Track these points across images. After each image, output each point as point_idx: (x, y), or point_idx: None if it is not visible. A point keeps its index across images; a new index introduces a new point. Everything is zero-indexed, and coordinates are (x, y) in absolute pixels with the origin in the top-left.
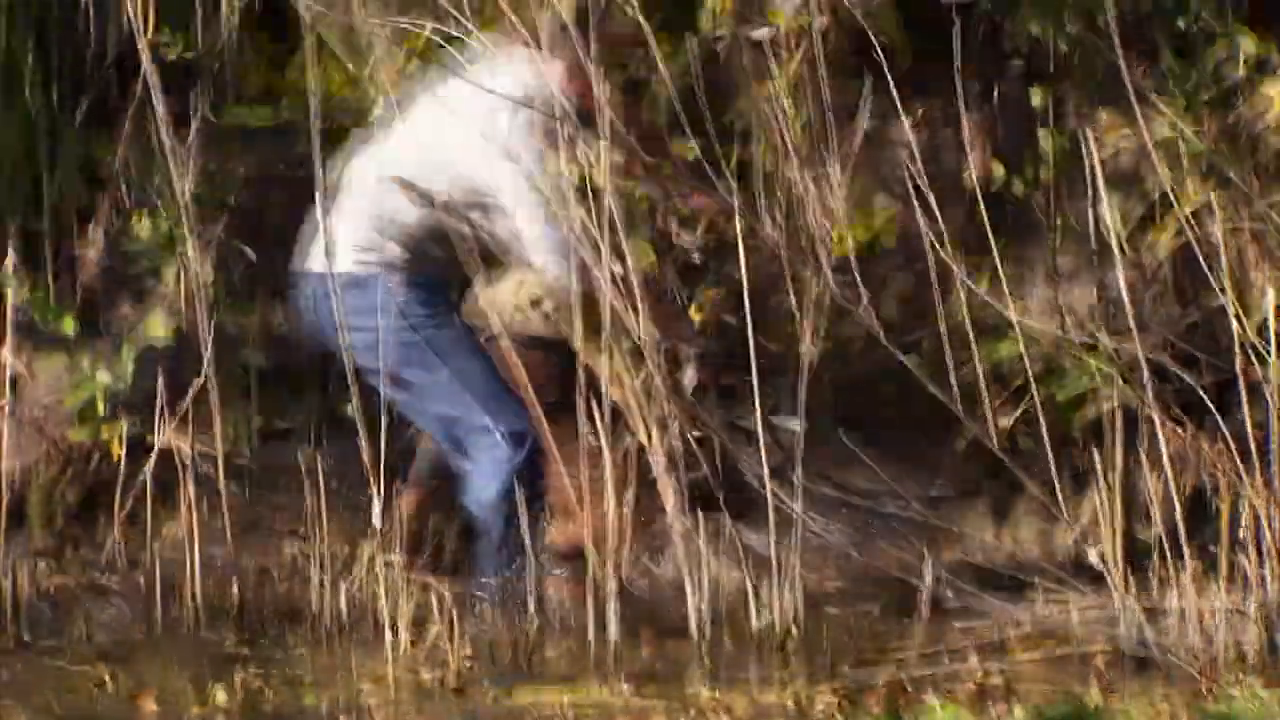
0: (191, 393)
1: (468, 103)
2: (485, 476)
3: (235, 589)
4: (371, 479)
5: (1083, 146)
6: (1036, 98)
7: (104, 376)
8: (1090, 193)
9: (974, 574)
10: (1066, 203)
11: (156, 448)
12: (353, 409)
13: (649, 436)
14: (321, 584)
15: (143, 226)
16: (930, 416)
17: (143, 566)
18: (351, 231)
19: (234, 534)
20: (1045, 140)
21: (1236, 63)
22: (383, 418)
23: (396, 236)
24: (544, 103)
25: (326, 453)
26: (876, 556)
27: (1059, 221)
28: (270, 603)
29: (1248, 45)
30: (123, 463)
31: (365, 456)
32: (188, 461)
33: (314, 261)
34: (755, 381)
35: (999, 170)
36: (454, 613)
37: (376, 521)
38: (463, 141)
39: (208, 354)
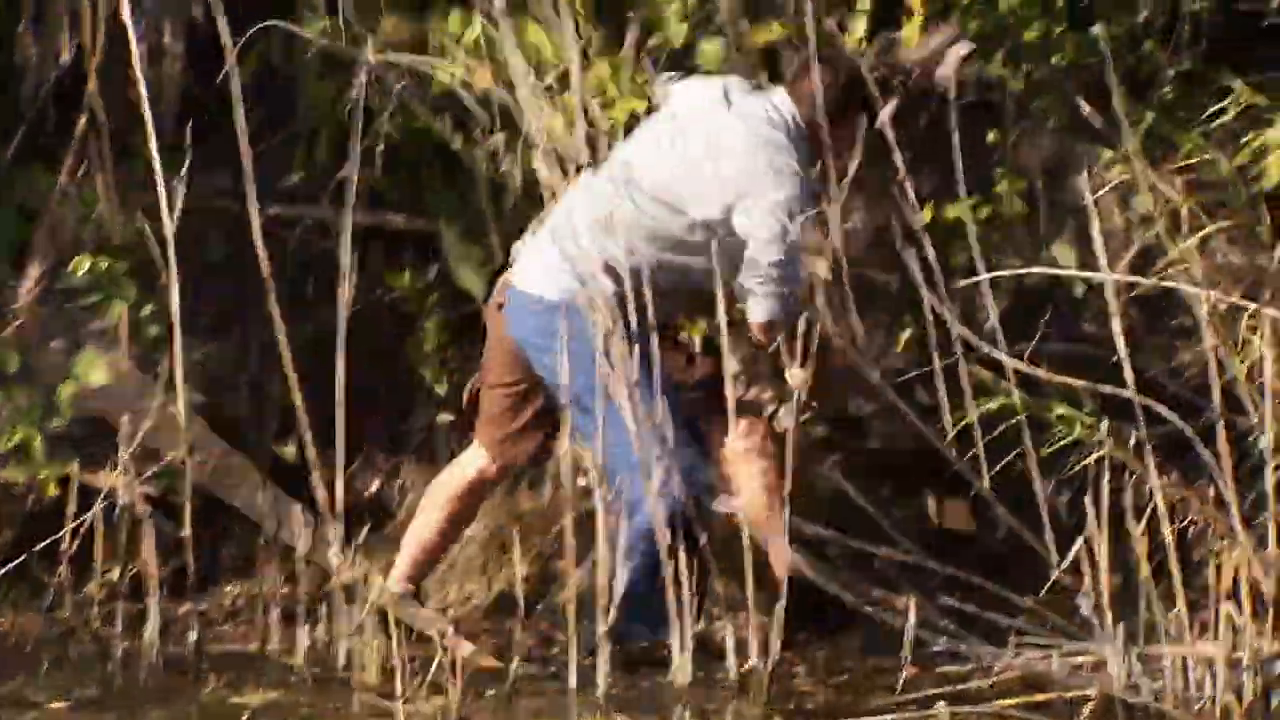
0: (140, 434)
1: (738, 127)
2: (638, 514)
3: (194, 633)
4: (330, 518)
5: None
6: (992, 136)
7: (40, 415)
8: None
9: (959, 618)
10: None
11: (107, 489)
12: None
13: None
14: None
15: (82, 264)
16: (920, 458)
17: (89, 609)
18: (565, 258)
19: (175, 576)
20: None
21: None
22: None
23: (608, 272)
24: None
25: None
26: (860, 597)
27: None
28: (223, 644)
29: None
30: (71, 503)
31: (320, 497)
32: (127, 503)
33: (526, 281)
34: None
35: (953, 210)
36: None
37: (335, 559)
38: (729, 161)
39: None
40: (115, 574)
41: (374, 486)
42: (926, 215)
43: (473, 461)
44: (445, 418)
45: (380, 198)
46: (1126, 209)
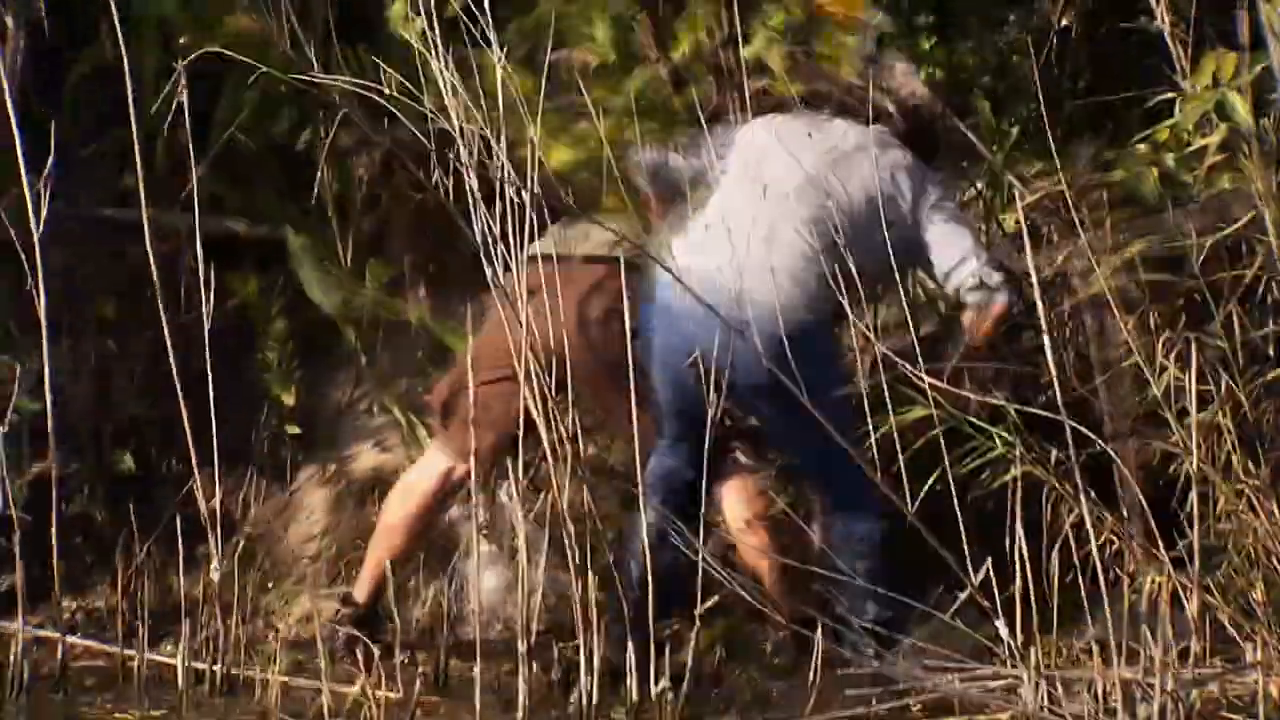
0: None
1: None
2: (861, 513)
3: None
4: (209, 527)
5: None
6: None
7: None
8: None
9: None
10: None
11: None
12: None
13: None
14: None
15: None
16: None
17: None
18: (794, 284)
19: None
20: None
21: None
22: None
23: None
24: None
25: (102, 505)
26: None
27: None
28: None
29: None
30: None
31: (203, 504)
32: None
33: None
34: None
35: None
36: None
37: (215, 574)
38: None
39: None
40: None
41: (218, 499)
42: None
43: (434, 467)
44: (292, 429)
45: (219, 202)
46: (991, 227)
